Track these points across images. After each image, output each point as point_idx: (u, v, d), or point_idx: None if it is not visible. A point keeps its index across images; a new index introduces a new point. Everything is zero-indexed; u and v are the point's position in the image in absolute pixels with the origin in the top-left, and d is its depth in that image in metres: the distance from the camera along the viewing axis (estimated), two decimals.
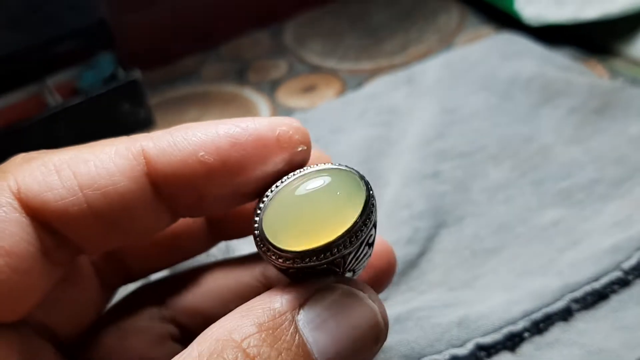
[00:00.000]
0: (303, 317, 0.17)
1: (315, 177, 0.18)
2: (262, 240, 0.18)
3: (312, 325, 0.16)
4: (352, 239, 0.17)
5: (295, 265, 0.17)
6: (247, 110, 0.46)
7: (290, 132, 0.18)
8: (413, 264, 0.31)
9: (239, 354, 0.15)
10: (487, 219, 0.32)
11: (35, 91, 0.44)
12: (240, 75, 0.50)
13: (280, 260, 0.17)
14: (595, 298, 0.27)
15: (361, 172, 0.19)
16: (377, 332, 0.18)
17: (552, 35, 0.46)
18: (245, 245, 0.31)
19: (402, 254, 0.31)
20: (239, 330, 0.16)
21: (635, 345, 0.25)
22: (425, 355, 0.25)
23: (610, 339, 0.25)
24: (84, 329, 0.22)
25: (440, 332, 0.26)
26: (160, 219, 0.19)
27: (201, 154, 0.18)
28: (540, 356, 0.25)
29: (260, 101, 0.47)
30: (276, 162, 0.18)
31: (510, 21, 0.48)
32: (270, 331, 0.16)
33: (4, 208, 0.17)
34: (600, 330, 0.26)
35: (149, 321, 0.23)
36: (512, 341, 0.26)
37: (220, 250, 0.31)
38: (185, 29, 0.53)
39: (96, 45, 0.45)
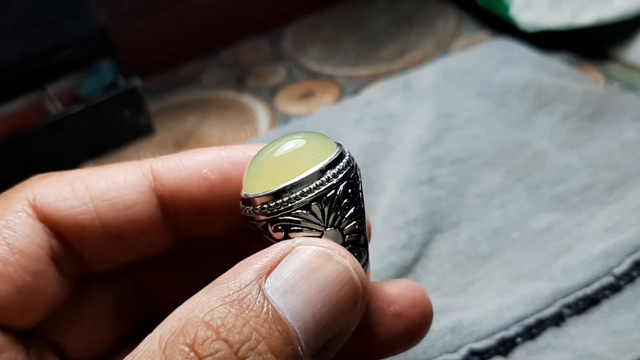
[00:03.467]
0: (271, 284, 0.16)
1: (291, 139, 0.19)
2: (243, 200, 0.19)
3: (281, 291, 0.16)
4: (323, 180, 0.18)
5: (272, 211, 0.18)
6: (246, 116, 0.47)
7: None
8: (408, 269, 0.31)
9: (200, 327, 0.15)
10: (482, 224, 0.33)
11: (36, 99, 0.45)
12: (240, 81, 0.51)
13: (257, 209, 0.18)
14: (586, 303, 0.27)
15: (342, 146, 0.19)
16: (353, 290, 0.17)
17: (548, 40, 0.46)
18: None
19: (397, 259, 0.31)
20: (201, 307, 0.15)
21: (626, 350, 0.25)
22: None
23: (602, 343, 0.26)
24: (101, 355, 0.22)
25: (434, 338, 0.26)
26: (164, 236, 0.20)
27: (204, 171, 0.19)
28: None
29: (259, 107, 0.47)
30: None
31: (506, 27, 0.48)
32: (236, 302, 0.15)
33: (19, 213, 0.18)
34: (591, 335, 0.26)
35: None
36: (505, 346, 0.26)
37: None
38: (185, 36, 0.53)
39: (96, 53, 0.46)
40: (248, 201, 0.18)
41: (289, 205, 0.18)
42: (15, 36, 0.43)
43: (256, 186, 0.18)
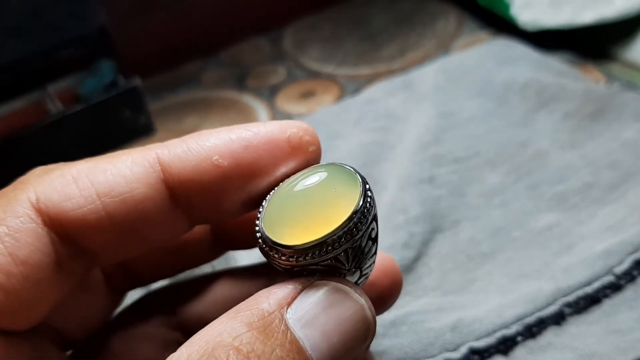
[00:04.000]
0: (292, 315, 0.16)
1: (311, 174, 0.18)
2: (264, 240, 0.18)
3: (302, 322, 0.16)
4: (353, 231, 0.17)
5: (298, 262, 0.17)
6: (247, 116, 0.47)
7: (301, 134, 0.19)
8: (409, 268, 0.31)
9: (232, 352, 0.15)
10: (482, 223, 0.33)
11: (36, 98, 0.45)
12: (240, 81, 0.51)
13: (283, 258, 0.17)
14: (587, 302, 0.27)
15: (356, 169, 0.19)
16: (366, 327, 0.17)
17: (548, 39, 0.46)
18: (247, 257, 0.31)
19: (398, 258, 0.31)
20: (228, 331, 0.16)
21: (627, 349, 0.25)
22: (419, 359, 0.26)
23: (603, 342, 0.26)
24: (92, 332, 0.23)
25: (434, 337, 0.26)
26: (176, 226, 0.19)
27: (215, 157, 0.18)
28: None
29: (259, 107, 0.47)
30: (288, 163, 0.19)
31: (507, 26, 0.48)
32: (262, 329, 0.16)
33: (21, 218, 0.17)
34: (592, 334, 0.26)
35: (156, 328, 0.23)
36: (505, 345, 0.26)
37: (219, 263, 0.32)
38: (185, 35, 0.53)
39: (97, 52, 0.46)
40: (272, 247, 0.18)
41: (316, 259, 0.17)
42: (15, 36, 0.43)
43: (280, 231, 0.18)
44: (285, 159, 0.19)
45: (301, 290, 0.17)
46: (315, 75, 0.50)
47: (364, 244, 0.18)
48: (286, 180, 0.19)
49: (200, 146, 0.19)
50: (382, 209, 0.34)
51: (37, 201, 0.18)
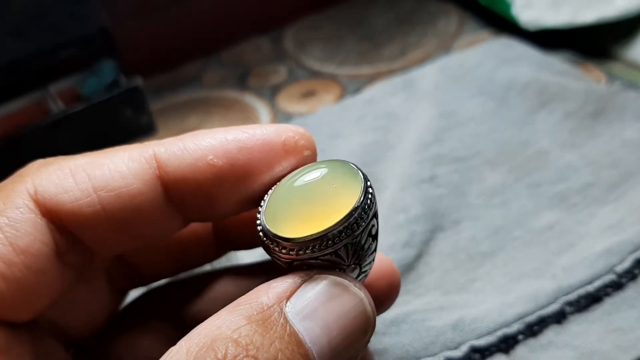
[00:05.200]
0: (291, 308, 0.16)
1: (313, 170, 0.19)
2: (265, 233, 0.18)
3: (301, 315, 0.16)
4: (353, 226, 0.17)
5: (298, 255, 0.18)
6: (248, 115, 0.47)
7: (296, 138, 0.19)
8: (410, 267, 0.31)
9: (230, 344, 0.15)
10: (483, 222, 0.33)
11: (38, 98, 0.45)
12: (241, 80, 0.51)
13: (283, 251, 0.18)
14: (588, 301, 0.27)
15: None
16: (365, 320, 0.17)
17: (549, 39, 0.46)
18: (248, 257, 0.31)
19: (399, 257, 0.31)
20: (227, 325, 0.16)
21: (628, 348, 0.25)
22: (420, 358, 0.26)
23: (604, 341, 0.26)
24: (95, 331, 0.23)
25: (435, 335, 0.26)
26: (170, 223, 0.20)
27: (210, 157, 0.19)
28: (534, 358, 0.26)
29: (260, 106, 0.47)
30: (282, 166, 0.19)
31: (508, 25, 0.48)
32: (261, 322, 0.16)
33: (20, 209, 0.18)
34: (593, 333, 0.26)
35: (157, 325, 0.24)
36: (506, 343, 0.26)
37: (220, 262, 0.32)
38: (186, 35, 0.53)
39: (98, 52, 0.46)
40: (273, 240, 0.18)
41: (316, 254, 0.18)
42: (17, 36, 0.43)
43: (281, 225, 0.18)
44: (280, 162, 0.19)
45: (301, 284, 0.17)
46: (316, 74, 0.50)
47: (364, 240, 0.18)
48: (288, 175, 0.19)
49: (196, 145, 0.19)
50: (383, 208, 0.34)
51: (35, 193, 0.18)
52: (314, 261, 0.18)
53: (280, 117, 0.46)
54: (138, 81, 0.44)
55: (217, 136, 0.19)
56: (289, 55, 0.53)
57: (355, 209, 0.17)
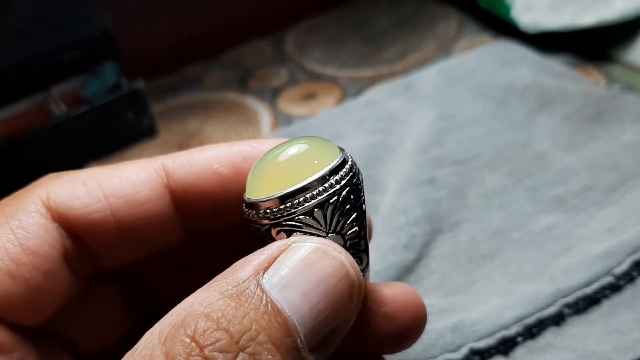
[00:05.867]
0: (269, 280, 0.16)
1: (293, 144, 0.19)
2: (245, 203, 0.19)
3: (279, 286, 0.16)
4: (332, 183, 0.18)
5: (274, 217, 0.18)
6: (249, 118, 0.47)
7: None
8: (410, 269, 0.31)
9: (201, 319, 0.15)
10: (482, 224, 0.33)
11: (40, 100, 0.45)
12: (242, 83, 0.51)
13: (260, 214, 0.18)
14: (587, 303, 0.27)
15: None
16: (349, 284, 0.17)
17: (549, 41, 0.46)
18: None
19: (398, 259, 0.31)
20: (200, 302, 0.16)
21: (626, 349, 0.25)
22: None
23: (602, 343, 0.26)
24: (107, 349, 0.23)
25: (435, 338, 0.27)
26: (176, 232, 0.20)
27: (216, 166, 0.20)
28: None
29: (261, 109, 0.48)
30: None
31: (508, 28, 0.48)
32: (235, 296, 0.16)
33: (32, 214, 0.19)
34: (591, 335, 0.26)
35: None
36: (506, 346, 0.26)
37: None
38: (188, 38, 0.54)
39: (100, 55, 0.46)
40: (251, 205, 0.19)
41: (292, 211, 0.18)
42: (19, 38, 0.44)
43: (259, 191, 0.18)
44: None
45: (278, 255, 0.17)
46: (317, 77, 0.50)
47: (341, 204, 0.18)
48: (268, 151, 0.19)
49: (203, 156, 0.20)
50: (383, 211, 0.34)
51: (48, 199, 0.19)
52: (291, 224, 0.18)
53: (281, 119, 0.46)
54: (140, 84, 0.44)
55: (224, 148, 0.20)
56: (290, 58, 0.53)
57: (329, 170, 0.18)
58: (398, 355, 0.27)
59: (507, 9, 0.47)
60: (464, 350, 0.26)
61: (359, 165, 0.38)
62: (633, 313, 0.27)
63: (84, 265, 0.20)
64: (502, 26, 0.49)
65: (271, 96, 0.49)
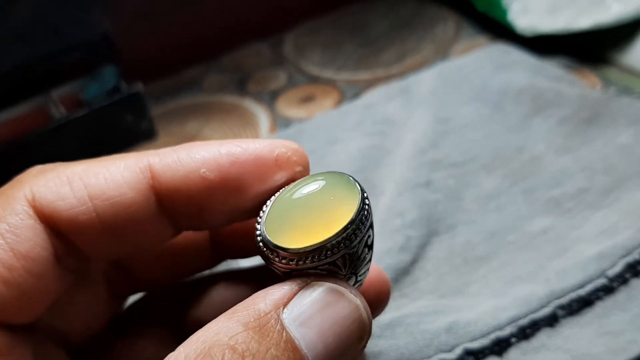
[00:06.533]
0: (288, 315, 0.17)
1: (310, 182, 0.19)
2: (265, 244, 0.19)
3: (298, 322, 0.17)
4: (351, 237, 0.18)
5: (297, 266, 0.18)
6: (247, 120, 0.47)
7: (289, 154, 0.20)
8: (406, 271, 0.32)
9: (227, 351, 0.16)
10: (478, 227, 0.33)
11: (39, 103, 0.45)
12: (241, 86, 0.51)
13: (283, 261, 0.18)
14: (580, 305, 0.27)
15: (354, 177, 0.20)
16: (362, 327, 0.18)
17: (545, 44, 0.46)
18: (245, 262, 0.32)
19: (394, 261, 0.31)
20: (225, 332, 0.16)
21: (619, 350, 0.26)
22: None
23: (595, 344, 0.26)
24: (94, 334, 0.23)
25: (429, 338, 0.27)
26: (162, 231, 0.20)
27: (203, 170, 0.19)
28: None
29: (260, 111, 0.48)
30: (274, 180, 0.20)
31: (505, 31, 0.49)
32: (257, 329, 0.16)
33: (20, 215, 0.18)
34: (585, 336, 0.26)
35: (156, 329, 0.24)
36: (500, 346, 0.27)
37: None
38: (187, 41, 0.54)
39: (99, 58, 0.46)
40: (273, 250, 0.18)
41: (315, 264, 0.18)
42: (19, 41, 0.44)
43: (280, 235, 0.18)
44: (272, 177, 0.20)
45: (298, 291, 0.18)
46: (315, 80, 0.50)
47: (360, 251, 0.19)
48: (286, 187, 0.19)
49: (190, 158, 0.20)
50: (379, 213, 0.34)
51: (33, 199, 0.19)
52: (312, 271, 0.18)
53: (280, 122, 0.46)
54: (139, 87, 0.44)
55: (211, 149, 0.20)
56: (288, 61, 0.53)
57: (352, 221, 0.18)
58: (392, 354, 0.27)
59: (503, 12, 0.47)
60: (458, 351, 0.26)
61: (356, 168, 0.38)
62: (626, 315, 0.27)
63: (74, 262, 0.20)
64: (499, 29, 0.50)
65: (270, 99, 0.49)
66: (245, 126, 0.47)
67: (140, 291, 0.25)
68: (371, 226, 0.19)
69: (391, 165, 0.38)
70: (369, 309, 0.18)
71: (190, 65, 0.54)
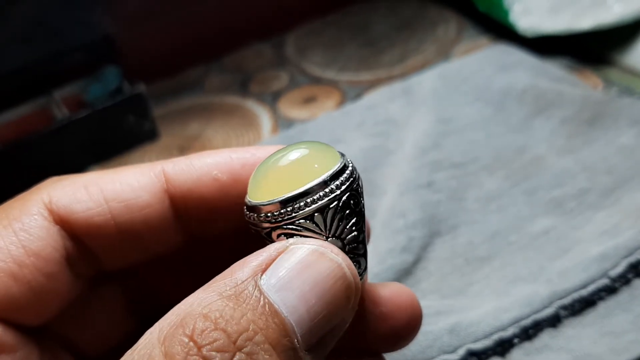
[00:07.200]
0: (266, 281, 0.16)
1: (294, 150, 0.19)
2: (247, 206, 0.19)
3: (277, 287, 0.16)
4: (332, 188, 0.18)
5: (275, 220, 0.18)
6: (249, 121, 0.47)
7: None
8: (408, 272, 0.32)
9: (199, 319, 0.15)
10: (480, 227, 0.33)
11: (42, 104, 0.45)
12: (243, 86, 0.51)
13: (261, 217, 0.18)
14: (582, 305, 0.28)
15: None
16: (346, 285, 0.17)
17: (547, 45, 0.46)
18: None
19: (397, 262, 0.32)
20: (199, 302, 0.16)
21: (621, 350, 0.26)
22: None
23: (597, 344, 0.26)
24: (109, 349, 0.23)
25: (432, 339, 0.27)
26: (175, 234, 0.21)
27: (215, 172, 0.20)
28: None
29: (262, 112, 0.48)
30: None
31: (507, 32, 0.49)
32: (233, 297, 0.16)
33: (35, 216, 0.19)
34: (587, 336, 0.27)
35: None
36: (502, 347, 0.27)
37: None
38: (189, 42, 0.54)
39: (102, 59, 0.46)
40: (252, 208, 0.19)
41: (293, 215, 0.18)
42: (22, 42, 0.44)
43: (261, 194, 0.19)
44: None
45: (277, 257, 0.17)
46: (317, 80, 0.50)
47: (341, 209, 0.19)
48: (270, 155, 0.20)
49: (202, 162, 0.20)
50: (381, 214, 0.34)
51: (50, 202, 0.19)
52: (291, 227, 0.18)
53: (282, 122, 0.46)
54: (141, 88, 0.44)
55: (223, 154, 0.20)
56: (290, 62, 0.53)
57: (330, 175, 0.18)
58: (395, 355, 0.27)
59: (505, 13, 0.47)
60: (461, 352, 0.26)
61: (358, 168, 0.38)
62: (628, 315, 0.27)
63: (86, 267, 0.20)
64: (501, 30, 0.50)
65: (271, 99, 0.49)
66: (247, 127, 0.47)
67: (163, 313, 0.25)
68: (357, 191, 0.19)
69: (393, 166, 0.38)
70: (353, 267, 0.18)
71: (192, 66, 0.55)
